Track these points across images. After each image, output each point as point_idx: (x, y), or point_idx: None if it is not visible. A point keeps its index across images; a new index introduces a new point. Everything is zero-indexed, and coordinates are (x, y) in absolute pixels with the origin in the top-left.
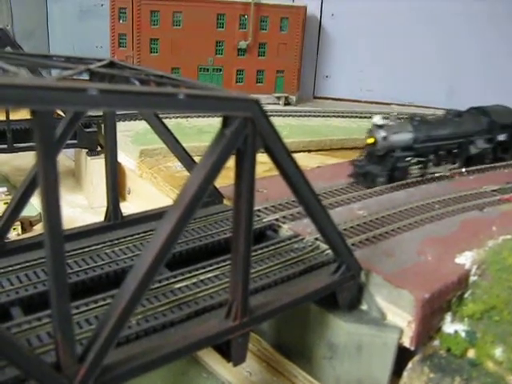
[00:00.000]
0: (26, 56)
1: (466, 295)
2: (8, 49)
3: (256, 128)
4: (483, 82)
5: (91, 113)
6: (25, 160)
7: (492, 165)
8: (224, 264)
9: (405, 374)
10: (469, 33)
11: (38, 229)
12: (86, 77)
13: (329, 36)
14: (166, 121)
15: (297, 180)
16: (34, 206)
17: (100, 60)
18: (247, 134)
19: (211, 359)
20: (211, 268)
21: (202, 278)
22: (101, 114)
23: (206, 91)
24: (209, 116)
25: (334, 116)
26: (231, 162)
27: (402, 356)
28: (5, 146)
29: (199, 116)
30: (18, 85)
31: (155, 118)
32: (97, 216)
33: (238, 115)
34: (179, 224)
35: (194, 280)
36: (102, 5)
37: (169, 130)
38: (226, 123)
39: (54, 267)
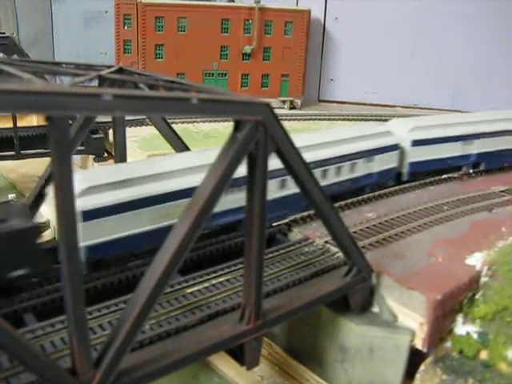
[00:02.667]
0: (36, 63)
1: (477, 296)
2: (15, 56)
3: (268, 132)
4: (489, 84)
5: (98, 119)
6: (32, 167)
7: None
8: (235, 268)
9: (417, 375)
10: (474, 35)
11: (46, 235)
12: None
13: (333, 39)
14: (172, 126)
15: (309, 183)
16: (42, 213)
17: (109, 66)
18: (259, 138)
19: (222, 363)
20: (222, 272)
21: (213, 282)
22: (107, 120)
23: (217, 95)
24: (215, 121)
25: (339, 119)
26: None
27: (414, 358)
28: (13, 153)
29: (205, 121)
30: (35, 91)
31: (164, 123)
32: None
33: (249, 119)
34: (192, 229)
35: (206, 284)
36: (106, 11)
37: (177, 135)
38: (237, 127)
39: (70, 272)
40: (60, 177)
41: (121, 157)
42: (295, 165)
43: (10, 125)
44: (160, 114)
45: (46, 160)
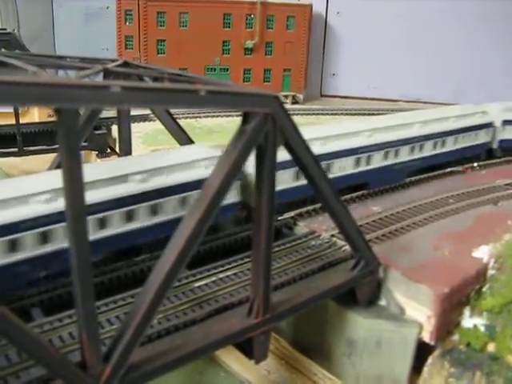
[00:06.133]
0: (41, 57)
1: (484, 289)
2: (17, 52)
3: (276, 124)
4: (491, 79)
5: (100, 115)
6: (33, 164)
7: (504, 159)
8: (242, 262)
9: (425, 369)
10: (476, 31)
11: None
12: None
13: (335, 34)
14: None
15: (317, 176)
16: None
17: (114, 60)
18: (268, 130)
19: (228, 358)
20: (230, 266)
21: (221, 276)
22: (110, 116)
23: (225, 87)
24: (218, 116)
25: (341, 114)
26: None
27: (422, 351)
28: (15, 150)
29: (208, 116)
30: (44, 83)
31: (169, 118)
32: None
33: (258, 111)
34: (202, 222)
35: (214, 278)
36: (107, 7)
37: (182, 129)
38: (246, 120)
39: (79, 266)
40: (69, 170)
41: (126, 152)
42: (304, 157)
43: (12, 121)
44: (168, 106)
45: (47, 157)
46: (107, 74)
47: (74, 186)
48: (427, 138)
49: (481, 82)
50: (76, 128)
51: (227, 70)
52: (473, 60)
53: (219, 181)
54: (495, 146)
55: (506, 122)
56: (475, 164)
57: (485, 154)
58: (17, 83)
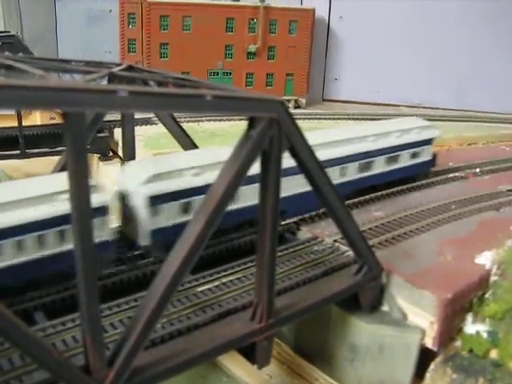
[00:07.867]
0: (47, 61)
1: (487, 295)
2: (20, 54)
3: (281, 129)
4: (493, 81)
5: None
6: (36, 166)
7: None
8: (245, 266)
9: (427, 374)
10: (477, 33)
11: None
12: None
13: (337, 38)
14: None
15: (321, 181)
16: None
17: (118, 64)
18: (273, 135)
19: (230, 362)
20: (233, 271)
21: (224, 280)
22: (113, 119)
23: (230, 92)
24: (220, 120)
25: (343, 119)
26: None
27: (424, 357)
28: (18, 152)
29: (210, 120)
30: (52, 87)
31: (172, 122)
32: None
33: (263, 116)
34: (207, 227)
35: (217, 283)
36: (110, 10)
37: (186, 133)
38: (251, 124)
39: (84, 269)
40: (76, 173)
41: (129, 155)
42: (308, 162)
43: (14, 124)
44: (174, 111)
45: (49, 159)
46: (112, 77)
47: (81, 188)
48: None
49: (483, 84)
50: (83, 131)
51: (230, 74)
52: (476, 61)
53: (225, 186)
54: (143, 241)
55: (156, 200)
56: (477, 169)
57: None
58: (27, 87)
